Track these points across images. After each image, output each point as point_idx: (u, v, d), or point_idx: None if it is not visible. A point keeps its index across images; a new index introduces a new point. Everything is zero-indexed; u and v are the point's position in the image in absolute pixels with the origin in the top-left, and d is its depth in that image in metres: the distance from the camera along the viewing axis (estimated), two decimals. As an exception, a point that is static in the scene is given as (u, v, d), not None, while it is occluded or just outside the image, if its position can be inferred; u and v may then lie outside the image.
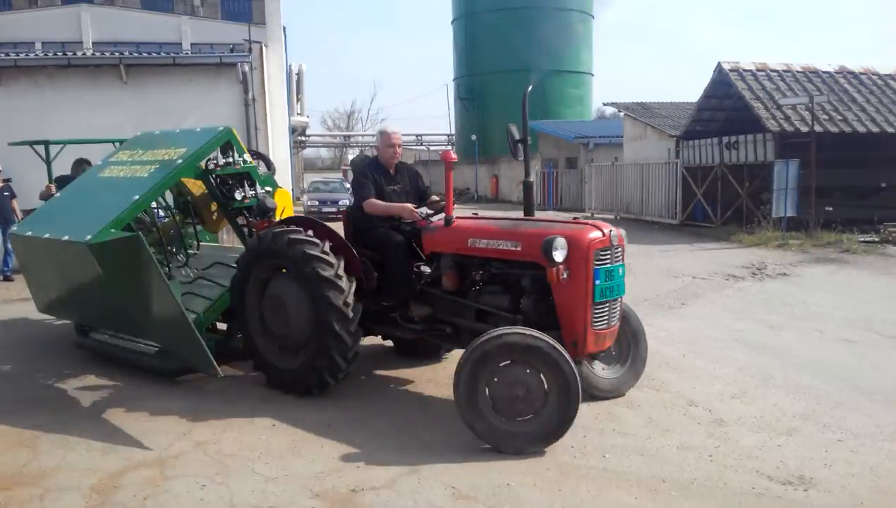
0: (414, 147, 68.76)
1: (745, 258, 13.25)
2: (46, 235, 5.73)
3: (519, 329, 4.56)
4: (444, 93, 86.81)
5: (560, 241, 4.60)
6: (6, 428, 4.94)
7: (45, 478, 4.16)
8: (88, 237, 5.25)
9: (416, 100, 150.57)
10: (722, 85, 19.24)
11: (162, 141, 6.62)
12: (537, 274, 4.89)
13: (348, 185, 37.79)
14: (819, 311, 8.67)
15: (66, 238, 5.47)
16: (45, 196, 8.71)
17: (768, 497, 3.89)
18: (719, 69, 18.89)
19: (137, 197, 5.69)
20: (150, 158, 6.28)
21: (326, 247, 5.33)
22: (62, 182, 8.83)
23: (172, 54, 15.75)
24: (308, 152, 67.42)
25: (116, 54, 14.96)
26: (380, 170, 5.90)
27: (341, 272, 5.25)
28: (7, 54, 15.39)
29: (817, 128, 16.31)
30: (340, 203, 24.76)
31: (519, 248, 4.95)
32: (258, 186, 6.50)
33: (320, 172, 67.39)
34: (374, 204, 5.69)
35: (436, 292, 5.51)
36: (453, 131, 57.30)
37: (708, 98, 20.03)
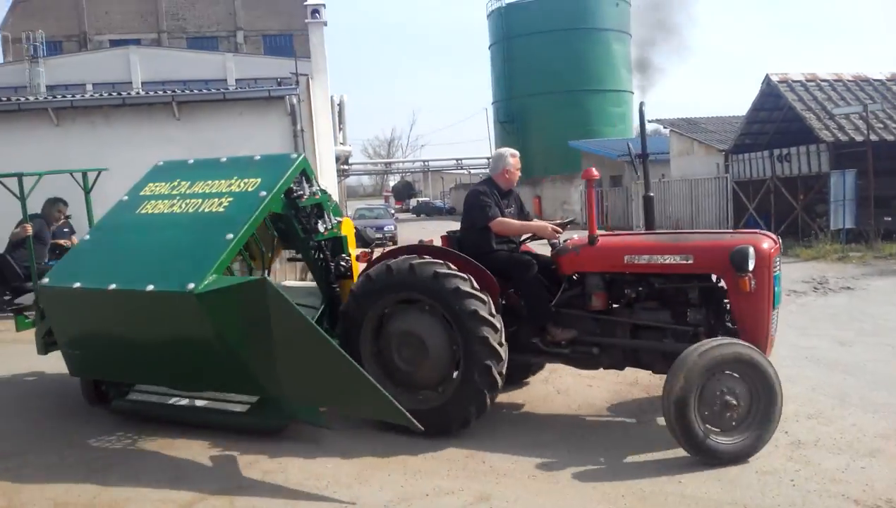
0: (454, 171, 69.07)
1: (804, 272, 12.88)
2: (112, 286, 4.93)
3: (728, 339, 4.59)
4: (483, 117, 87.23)
5: (752, 251, 4.66)
6: (76, 460, 5.00)
7: (118, 510, 4.18)
8: (191, 286, 4.58)
9: (455, 126, 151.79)
10: (771, 97, 18.93)
11: (210, 171, 5.86)
12: (706, 286, 5.02)
13: (392, 211, 38.12)
14: (888, 326, 8.34)
15: (150, 288, 4.75)
16: (19, 238, 7.59)
17: (857, 522, 3.72)
18: (767, 81, 18.61)
19: (232, 236, 4.96)
20: (212, 191, 5.56)
21: (474, 281, 5.05)
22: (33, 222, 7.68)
23: (223, 90, 16.09)
24: (350, 180, 68.22)
25: (169, 92, 15.33)
26: (496, 192, 5.65)
27: (494, 309, 5.02)
28: (63, 96, 15.94)
29: (872, 137, 15.89)
30: (386, 229, 24.90)
31: (691, 261, 4.95)
32: (331, 216, 6.05)
33: (363, 199, 68.13)
34: (507, 222, 5.51)
35: (576, 313, 5.35)
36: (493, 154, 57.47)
37: (756, 110, 19.71)
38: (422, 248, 5.40)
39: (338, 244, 6.07)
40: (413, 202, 67.89)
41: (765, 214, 18.66)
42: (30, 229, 7.22)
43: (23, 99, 15.79)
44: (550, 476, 4.40)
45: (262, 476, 4.57)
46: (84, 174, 7.60)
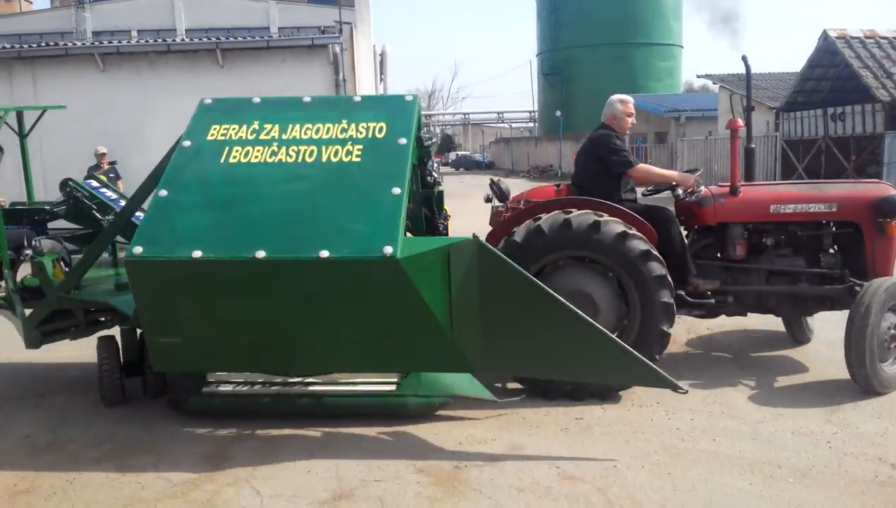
0: (495, 124, 68.45)
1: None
2: (260, 254, 3.94)
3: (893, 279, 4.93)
4: (526, 70, 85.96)
5: None
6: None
7: (159, 447, 4.35)
8: (389, 250, 3.84)
9: (497, 78, 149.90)
10: (827, 53, 18.25)
11: (298, 112, 4.73)
12: (840, 232, 5.39)
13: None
14: (939, 292, 8.11)
15: (324, 255, 3.90)
16: None
17: (893, 485, 3.67)
18: (825, 37, 17.91)
19: (399, 190, 4.14)
20: (325, 137, 4.54)
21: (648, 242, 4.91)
22: None
23: (266, 38, 16.07)
24: (390, 132, 68.05)
25: (213, 39, 15.36)
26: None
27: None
28: (109, 42, 16.08)
29: (933, 97, 15.29)
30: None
31: (834, 209, 5.27)
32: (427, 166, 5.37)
33: (403, 152, 67.91)
34: (650, 170, 5.52)
35: (707, 263, 5.46)
36: (535, 108, 56.72)
37: (812, 67, 19.04)
38: (582, 202, 5.11)
39: (441, 199, 5.56)
40: (452, 155, 67.55)
41: (814, 175, 18.18)
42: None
43: (70, 44, 16.00)
44: (583, 430, 4.43)
45: (295, 423, 4.66)
46: (19, 114, 5.79)
